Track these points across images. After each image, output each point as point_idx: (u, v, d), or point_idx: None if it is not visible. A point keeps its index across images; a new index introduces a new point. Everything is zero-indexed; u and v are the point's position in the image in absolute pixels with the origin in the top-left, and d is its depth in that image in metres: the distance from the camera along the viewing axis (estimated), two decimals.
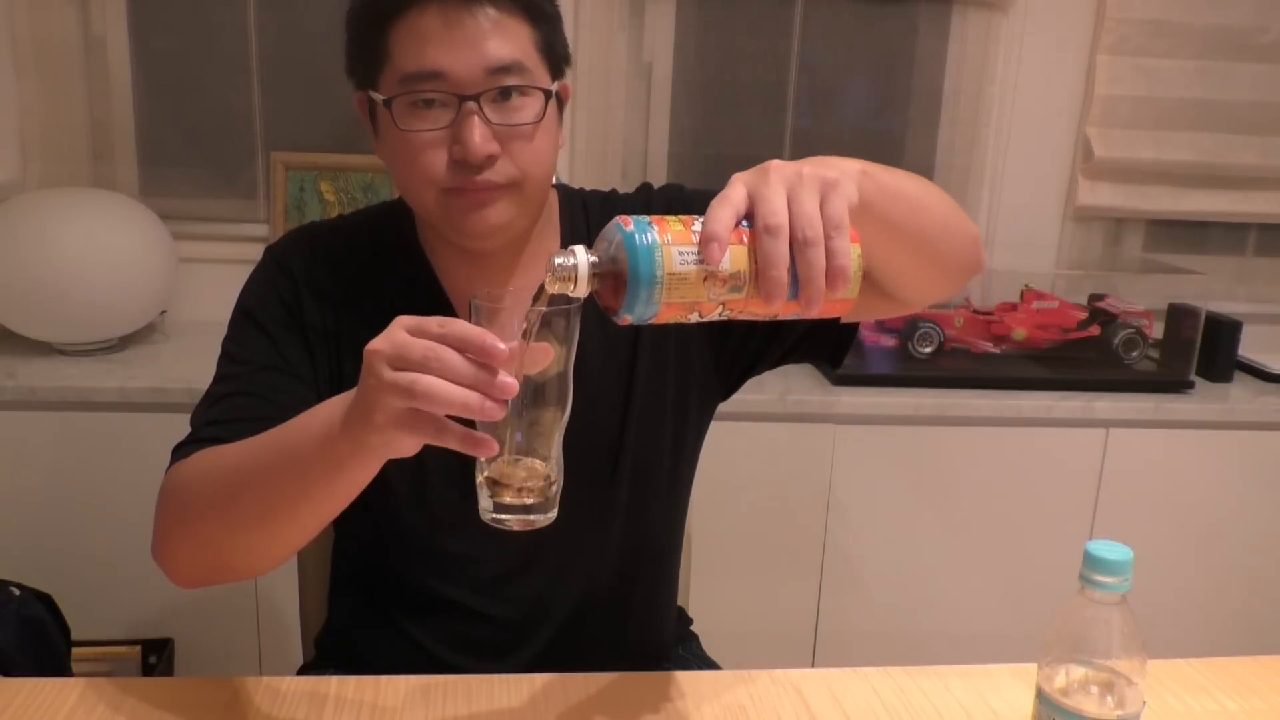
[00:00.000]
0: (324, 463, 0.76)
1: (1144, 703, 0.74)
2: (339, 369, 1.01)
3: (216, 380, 0.99)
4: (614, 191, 1.12)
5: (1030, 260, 2.44)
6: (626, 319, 0.68)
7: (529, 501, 0.76)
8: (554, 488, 0.77)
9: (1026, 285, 2.28)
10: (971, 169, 2.37)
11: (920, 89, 2.38)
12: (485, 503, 0.76)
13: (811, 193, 0.68)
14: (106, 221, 1.93)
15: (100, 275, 1.88)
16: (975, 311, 2.22)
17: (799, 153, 2.36)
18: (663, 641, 1.19)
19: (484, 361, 0.67)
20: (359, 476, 0.77)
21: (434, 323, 0.69)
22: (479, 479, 0.76)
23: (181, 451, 0.93)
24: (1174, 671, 1.00)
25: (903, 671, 0.98)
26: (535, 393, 0.73)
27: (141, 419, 1.80)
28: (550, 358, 0.72)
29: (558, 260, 0.68)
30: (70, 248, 1.86)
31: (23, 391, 1.78)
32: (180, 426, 0.97)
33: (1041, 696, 0.76)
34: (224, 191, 2.24)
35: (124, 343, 2.02)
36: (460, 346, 0.67)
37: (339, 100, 2.21)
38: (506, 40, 0.90)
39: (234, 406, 0.95)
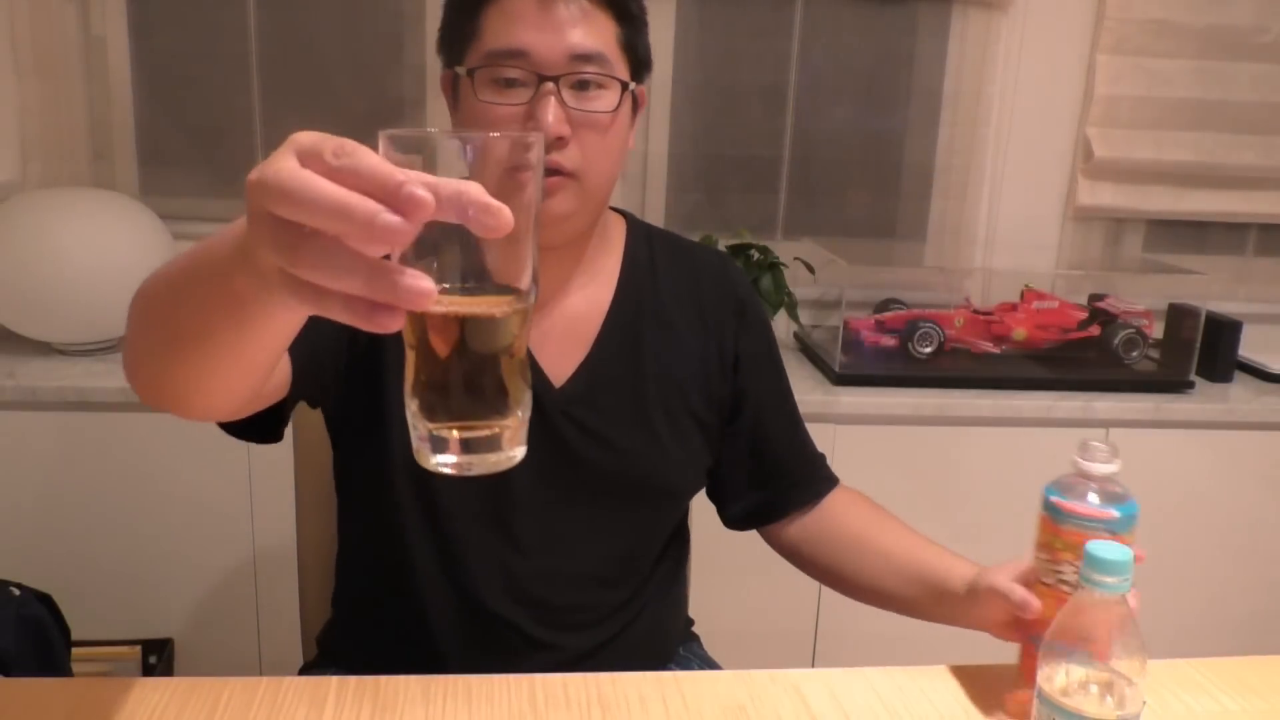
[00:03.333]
0: (223, 292, 0.58)
1: (1144, 703, 0.74)
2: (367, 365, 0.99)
3: None
4: (692, 244, 1.14)
5: (1030, 260, 2.44)
6: None
7: (482, 434, 0.54)
8: (520, 412, 0.55)
9: (1026, 285, 2.28)
10: (971, 169, 2.37)
11: (920, 89, 2.38)
12: (423, 436, 0.54)
13: None
14: (106, 221, 1.93)
15: (100, 275, 1.88)
16: (975, 311, 2.22)
17: (799, 152, 2.37)
18: (666, 643, 1.20)
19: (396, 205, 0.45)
20: (269, 321, 0.59)
21: (331, 148, 0.46)
22: (411, 408, 0.54)
23: None
24: (1174, 671, 0.99)
25: (902, 671, 0.98)
26: (479, 266, 0.52)
27: (141, 419, 1.80)
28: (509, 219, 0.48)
29: None
30: (70, 248, 1.86)
31: (23, 391, 1.78)
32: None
33: (1041, 696, 0.76)
34: (224, 191, 2.24)
35: (124, 343, 2.01)
36: (365, 188, 0.45)
37: (339, 100, 2.21)
38: (592, 31, 0.94)
39: None
